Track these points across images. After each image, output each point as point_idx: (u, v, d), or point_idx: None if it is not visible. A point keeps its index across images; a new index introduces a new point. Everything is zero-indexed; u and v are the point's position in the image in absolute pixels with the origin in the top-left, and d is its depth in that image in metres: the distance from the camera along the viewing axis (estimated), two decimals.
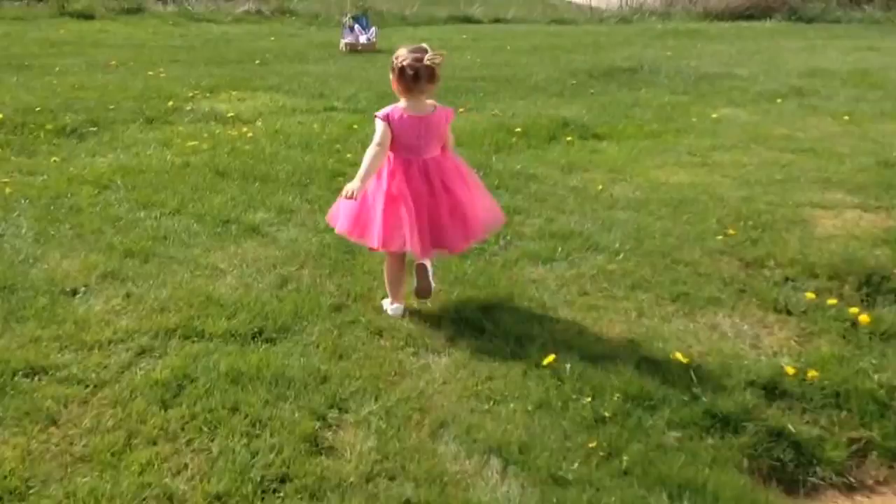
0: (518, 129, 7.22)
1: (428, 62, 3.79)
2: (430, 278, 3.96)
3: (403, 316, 3.91)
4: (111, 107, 7.94)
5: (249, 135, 6.93)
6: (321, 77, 9.95)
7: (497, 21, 19.82)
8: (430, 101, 3.96)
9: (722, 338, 3.81)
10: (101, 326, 3.70)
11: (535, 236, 4.84)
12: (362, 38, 13.03)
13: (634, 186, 5.80)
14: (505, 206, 5.09)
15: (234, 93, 8.98)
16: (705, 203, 5.43)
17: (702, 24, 18.19)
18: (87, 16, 17.76)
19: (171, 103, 8.14)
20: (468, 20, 19.65)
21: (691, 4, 21.38)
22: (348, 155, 6.33)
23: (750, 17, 19.66)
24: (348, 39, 13.20)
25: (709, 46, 13.38)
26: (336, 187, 5.38)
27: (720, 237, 4.83)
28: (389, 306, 3.98)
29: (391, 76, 3.90)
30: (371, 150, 3.83)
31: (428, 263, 3.94)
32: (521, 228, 4.95)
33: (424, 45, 3.92)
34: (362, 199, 3.86)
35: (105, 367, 3.40)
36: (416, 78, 3.81)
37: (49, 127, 7.10)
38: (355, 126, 7.39)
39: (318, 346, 3.61)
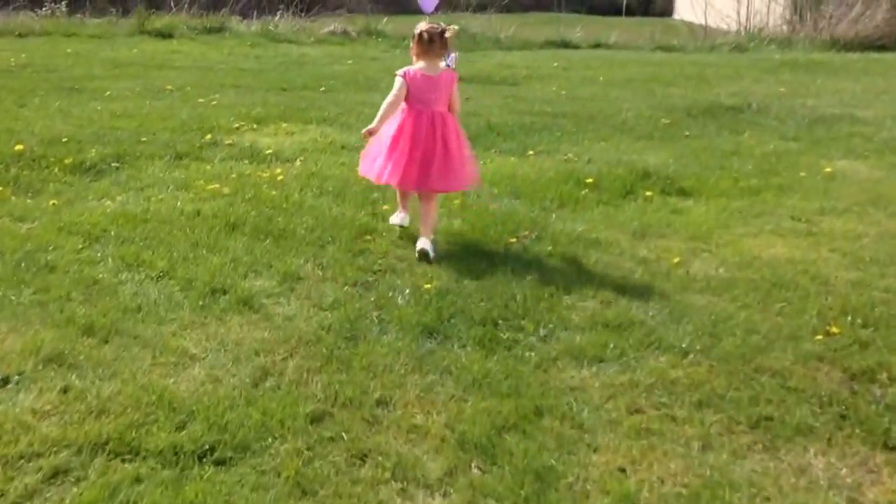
0: (589, 180, 6.45)
1: (439, 32, 5.00)
2: (430, 258, 4.84)
3: (403, 225, 5.20)
4: (144, 139, 7.48)
5: (280, 177, 6.33)
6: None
7: (597, 46, 19.09)
8: (441, 64, 5.16)
9: (811, 487, 2.97)
10: (16, 433, 3.09)
11: (584, 325, 4.06)
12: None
13: (719, 261, 4.96)
14: (553, 283, 4.37)
15: (284, 125, 8.46)
16: (805, 288, 4.57)
17: (826, 54, 17.01)
18: (165, 35, 17.65)
19: (208, 137, 7.64)
20: (566, 45, 19.00)
21: (816, 32, 20.19)
22: (385, 207, 5.66)
23: (882, 48, 18.39)
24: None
25: (830, 82, 12.31)
26: (360, 248, 4.75)
27: (820, 337, 3.98)
28: (395, 217, 5.25)
29: (412, 44, 5.09)
30: (387, 99, 4.97)
31: (428, 246, 4.87)
32: (568, 314, 4.18)
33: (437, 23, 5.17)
34: (375, 141, 5.06)
35: (0, 493, 2.77)
36: (430, 41, 5.04)
37: (68, 161, 6.64)
38: None
39: (278, 475, 2.93)
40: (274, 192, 5.96)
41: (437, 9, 12.49)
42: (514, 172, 6.70)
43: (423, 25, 5.12)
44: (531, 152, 7.53)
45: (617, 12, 44.11)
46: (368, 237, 5.14)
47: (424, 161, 4.97)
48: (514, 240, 5.18)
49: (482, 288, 4.44)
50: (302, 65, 14.34)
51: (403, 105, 5.00)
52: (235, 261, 4.68)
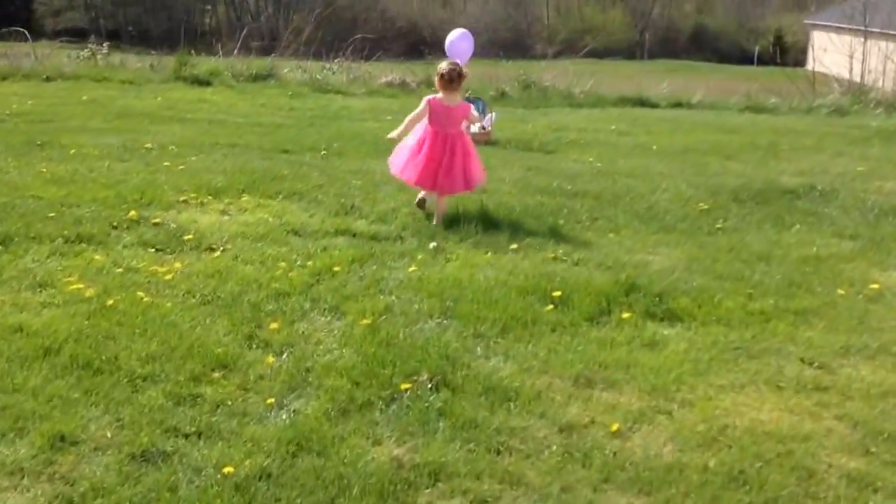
0: (557, 293, 5.33)
1: (458, 72, 7.00)
2: (425, 201, 7.17)
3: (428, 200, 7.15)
4: (53, 214, 6.72)
5: (169, 276, 5.40)
6: (373, 181, 8.40)
7: (678, 105, 17.86)
8: (458, 97, 7.14)
9: None
10: None
11: None
12: (475, 127, 11.40)
13: (673, 431, 3.83)
14: (417, 469, 3.30)
15: (242, 199, 7.60)
16: (777, 486, 3.39)
17: None
18: (202, 82, 17.18)
19: (133, 213, 6.80)
20: (642, 103, 17.81)
21: None
22: (274, 325, 4.69)
23: None
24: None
25: None
26: (194, 392, 3.79)
27: None
28: (422, 192, 7.17)
29: (436, 79, 7.06)
30: (411, 115, 7.12)
31: (438, 222, 6.95)
32: None
33: (457, 62, 7.29)
34: (403, 147, 7.22)
35: None
36: (450, 80, 6.99)
37: None
38: (336, 269, 5.73)
39: None
40: (146, 299, 5.01)
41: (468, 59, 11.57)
42: (470, 278, 5.63)
43: (444, 66, 7.11)
44: (514, 246, 6.46)
45: (749, 61, 42.76)
46: (216, 374, 4.14)
47: (435, 170, 7.09)
48: (407, 385, 4.10)
49: (312, 471, 3.38)
50: (333, 119, 13.60)
51: (426, 123, 7.11)
52: (5, 409, 3.73)
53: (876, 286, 5.77)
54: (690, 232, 7.11)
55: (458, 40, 11.38)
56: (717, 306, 5.31)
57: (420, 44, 54.69)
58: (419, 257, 6.15)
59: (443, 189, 7.12)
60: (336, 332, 4.76)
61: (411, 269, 5.82)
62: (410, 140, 7.19)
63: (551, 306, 5.24)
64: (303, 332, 4.73)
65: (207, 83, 17.44)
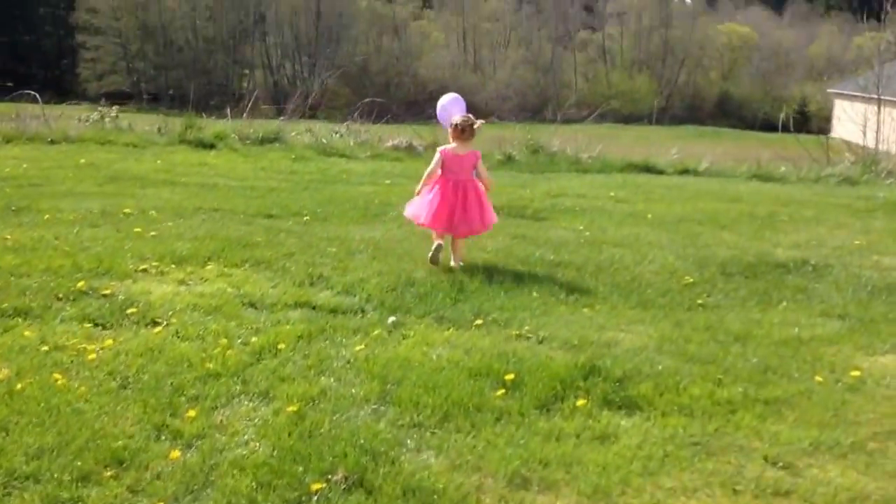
0: (511, 376, 4.91)
1: (469, 124, 7.78)
2: (440, 255, 7.55)
3: (441, 245, 7.62)
4: None
5: (92, 356, 5.03)
6: (349, 248, 8.05)
7: (684, 172, 17.51)
8: (469, 146, 7.77)
9: None
10: None
11: None
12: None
13: None
14: None
15: (209, 266, 7.26)
16: None
17: None
18: (207, 145, 16.99)
19: (81, 284, 6.46)
20: (649, 170, 17.45)
21: None
22: (191, 412, 4.29)
23: None
24: None
25: None
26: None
27: None
28: (436, 239, 7.63)
29: (450, 130, 7.82)
30: (429, 168, 7.71)
31: (456, 265, 7.62)
32: None
33: (469, 115, 8.01)
34: (419, 196, 7.79)
35: None
36: (462, 131, 7.72)
37: None
38: (281, 347, 5.34)
39: None
40: (60, 381, 4.63)
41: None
42: (422, 358, 5.23)
43: (458, 118, 7.85)
44: (479, 321, 6.06)
45: (773, 128, 42.69)
46: (108, 473, 3.74)
47: (451, 215, 7.65)
48: (319, 486, 3.68)
49: None
50: (330, 183, 13.32)
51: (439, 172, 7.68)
52: None
53: (857, 373, 5.30)
54: (670, 308, 6.67)
55: (450, 105, 11.12)
56: (682, 393, 4.86)
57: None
58: (374, 333, 5.76)
59: (459, 231, 7.73)
60: (258, 420, 4.35)
61: (358, 347, 5.41)
62: (426, 189, 7.80)
63: (502, 391, 4.82)
64: (221, 421, 4.32)
65: (212, 146, 17.27)
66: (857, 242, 9.45)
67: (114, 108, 19.55)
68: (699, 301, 6.85)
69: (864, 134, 23.51)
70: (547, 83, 76.06)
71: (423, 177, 7.74)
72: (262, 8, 74.82)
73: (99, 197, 10.68)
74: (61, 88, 53.77)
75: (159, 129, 18.75)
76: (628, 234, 9.41)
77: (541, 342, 5.73)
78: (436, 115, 10.52)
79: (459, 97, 11.18)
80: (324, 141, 18.09)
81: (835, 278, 7.77)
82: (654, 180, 15.66)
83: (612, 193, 12.87)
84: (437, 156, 7.72)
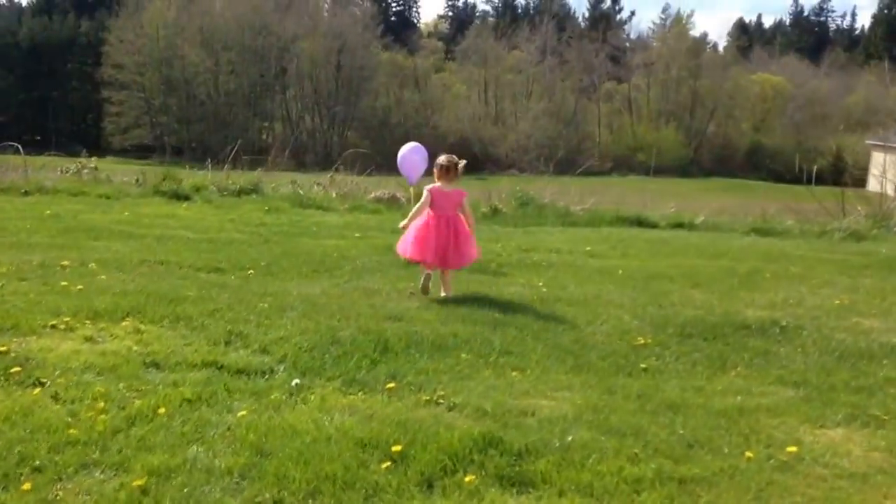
0: (398, 448, 4.51)
1: (454, 163, 8.72)
2: (430, 284, 8.36)
3: (430, 274, 8.43)
4: None
5: None
6: (282, 304, 7.70)
7: (679, 226, 17.12)
8: (453, 184, 8.67)
9: None
10: None
11: None
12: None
13: None
14: None
15: (125, 322, 6.93)
16: None
17: None
18: (181, 196, 16.75)
19: None
20: (641, 223, 17.10)
21: None
22: (26, 485, 3.92)
23: None
24: None
25: None
26: None
27: None
28: (424, 272, 8.39)
29: (435, 170, 8.70)
30: (417, 205, 8.62)
31: (445, 295, 8.49)
32: None
33: (452, 156, 8.82)
34: (410, 231, 8.61)
35: None
36: (447, 171, 8.65)
37: None
38: (161, 412, 4.97)
39: None
40: None
41: (418, 179, 11.10)
42: (312, 426, 4.84)
43: (443, 159, 8.70)
44: (392, 385, 5.67)
45: (805, 180, 42.07)
46: None
47: (445, 249, 8.47)
48: None
49: None
50: (295, 236, 13.03)
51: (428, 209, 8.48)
52: None
53: (794, 449, 4.87)
54: (607, 372, 6.26)
55: (410, 154, 10.89)
56: (586, 470, 4.44)
57: (471, 159, 54.77)
58: (271, 397, 5.38)
59: (451, 263, 8.61)
60: (95, 495, 3.96)
61: (242, 413, 5.02)
62: (418, 222, 8.57)
63: (388, 463, 4.42)
64: (56, 496, 3.93)
65: (186, 198, 17.07)
66: (837, 302, 9.02)
67: (92, 158, 19.40)
68: (643, 365, 6.44)
69: (883, 185, 23.11)
70: (570, 135, 76.09)
71: (411, 213, 8.64)
72: (284, 62, 76.42)
73: (46, 249, 10.40)
74: (87, 142, 54.93)
75: (137, 181, 18.55)
76: (588, 292, 9.01)
77: (451, 409, 5.34)
78: (469, 167, 10.29)
79: (419, 146, 10.97)
80: (300, 192, 17.81)
81: (802, 341, 7.35)
82: (642, 234, 15.30)
83: (588, 248, 12.51)
84: (425, 194, 8.54)
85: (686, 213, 18.09)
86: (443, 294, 8.51)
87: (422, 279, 8.43)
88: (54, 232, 11.94)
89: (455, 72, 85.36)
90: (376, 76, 77.98)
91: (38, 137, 68.67)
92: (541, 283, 9.40)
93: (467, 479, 4.28)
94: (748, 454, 4.77)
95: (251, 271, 9.45)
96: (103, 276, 8.65)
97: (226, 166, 19.55)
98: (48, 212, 14.06)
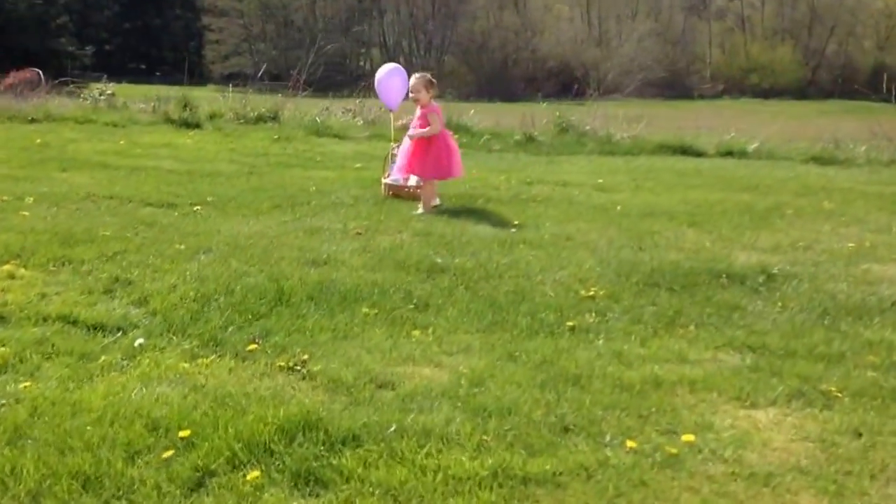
0: (186, 433, 3.79)
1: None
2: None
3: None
4: None
5: None
6: (201, 246, 7.08)
7: (728, 154, 15.91)
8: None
9: None
10: None
11: None
12: (413, 179, 9.95)
13: None
14: None
15: (6, 267, 6.34)
16: None
17: None
18: (191, 124, 16.14)
19: None
20: (685, 151, 15.93)
21: None
22: None
23: None
24: (393, 178, 10.19)
25: None
26: None
27: None
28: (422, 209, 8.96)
29: (425, 89, 9.21)
30: (437, 126, 9.20)
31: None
32: None
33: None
34: (438, 157, 9.30)
35: None
36: (435, 85, 9.37)
37: None
38: None
39: None
40: None
41: (398, 104, 10.29)
42: (107, 403, 4.15)
43: (428, 74, 9.52)
44: (253, 347, 4.95)
45: None
46: None
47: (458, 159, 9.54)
48: None
49: None
50: (287, 167, 12.38)
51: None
52: None
53: (691, 438, 4.00)
54: (526, 332, 5.43)
55: (389, 76, 10.07)
56: (407, 465, 3.66)
57: (572, 83, 53.42)
58: (99, 361, 4.71)
59: (458, 172, 9.70)
60: None
61: (24, 384, 4.35)
62: (441, 145, 9.31)
63: (171, 452, 3.70)
64: None
65: (197, 125, 16.46)
66: (852, 245, 7.98)
67: (110, 85, 18.91)
68: (571, 323, 5.58)
69: None
70: (677, 56, 73.68)
71: (430, 129, 9.19)
72: None
73: (4, 181, 9.92)
74: (189, 71, 55.83)
75: (154, 108, 18.03)
76: (563, 232, 8.13)
77: (304, 378, 4.59)
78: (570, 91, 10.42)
79: (399, 67, 10.18)
80: (318, 120, 17.04)
81: (785, 294, 6.39)
82: (677, 164, 14.24)
83: (600, 180, 11.55)
84: (439, 117, 9.32)
85: (740, 141, 16.79)
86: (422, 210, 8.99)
87: (432, 203, 9.15)
88: (25, 162, 11.48)
89: None
90: None
91: (143, 66, 69.55)
92: (516, 222, 8.55)
93: (250, 476, 3.53)
94: (631, 444, 3.93)
95: (197, 207, 8.77)
96: (26, 213, 8.09)
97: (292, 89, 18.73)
98: (38, 140, 13.64)
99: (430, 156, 9.25)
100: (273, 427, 3.86)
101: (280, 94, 19.41)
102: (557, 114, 18.11)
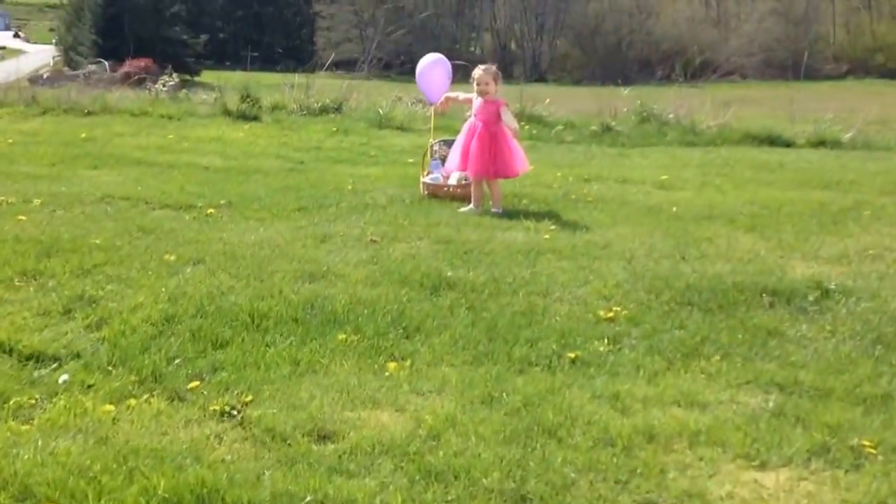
0: None
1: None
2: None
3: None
4: None
5: None
6: (192, 257, 6.58)
7: (820, 145, 14.87)
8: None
9: None
10: None
11: None
12: (454, 178, 9.34)
13: None
14: None
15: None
16: None
17: None
18: (249, 117, 15.75)
19: None
20: (773, 141, 14.96)
21: None
22: None
23: None
24: (432, 177, 9.58)
25: None
26: None
27: None
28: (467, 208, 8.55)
29: (494, 81, 8.59)
30: (516, 122, 8.79)
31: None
32: None
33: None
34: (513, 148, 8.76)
35: None
36: None
37: None
38: None
39: None
40: None
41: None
42: None
43: (494, 66, 8.87)
44: (196, 383, 4.41)
45: None
46: None
47: None
48: None
49: None
50: (334, 163, 12.06)
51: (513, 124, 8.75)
52: None
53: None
54: (518, 365, 4.78)
55: (432, 68, 9.46)
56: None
57: (687, 66, 52.28)
58: (11, 402, 4.20)
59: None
60: None
61: None
62: (506, 140, 8.68)
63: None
64: None
65: (255, 118, 16.06)
66: None
67: (174, 76, 18.69)
68: (573, 354, 4.89)
69: None
70: (798, 36, 71.60)
71: (515, 125, 8.74)
72: None
73: (22, 179, 9.69)
74: (300, 58, 56.93)
75: (216, 100, 17.73)
76: (601, 239, 7.41)
77: (238, 425, 4.02)
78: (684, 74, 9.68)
79: (442, 58, 9.56)
80: (380, 111, 16.48)
81: (836, 316, 5.59)
82: (759, 156, 13.31)
83: (664, 177, 10.72)
84: (511, 111, 8.84)
85: (834, 130, 15.70)
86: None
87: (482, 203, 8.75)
88: (57, 159, 11.23)
89: None
90: None
91: (255, 54, 70.94)
92: (552, 227, 7.85)
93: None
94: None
95: (211, 210, 8.29)
96: (23, 218, 7.69)
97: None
98: (84, 135, 13.39)
99: (494, 153, 8.60)
100: (156, 502, 3.28)
101: (354, 80, 18.94)
102: (639, 101, 17.22)
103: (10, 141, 12.59)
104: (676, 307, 5.72)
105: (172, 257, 6.58)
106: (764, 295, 5.92)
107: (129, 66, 56.94)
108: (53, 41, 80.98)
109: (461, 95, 9.34)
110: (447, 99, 9.38)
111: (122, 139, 13.27)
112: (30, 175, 9.99)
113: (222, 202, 8.68)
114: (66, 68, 59.17)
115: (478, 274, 6.34)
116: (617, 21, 74.86)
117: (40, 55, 72.67)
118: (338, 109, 16.99)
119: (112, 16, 65.27)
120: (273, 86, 19.67)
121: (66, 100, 16.62)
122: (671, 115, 16.75)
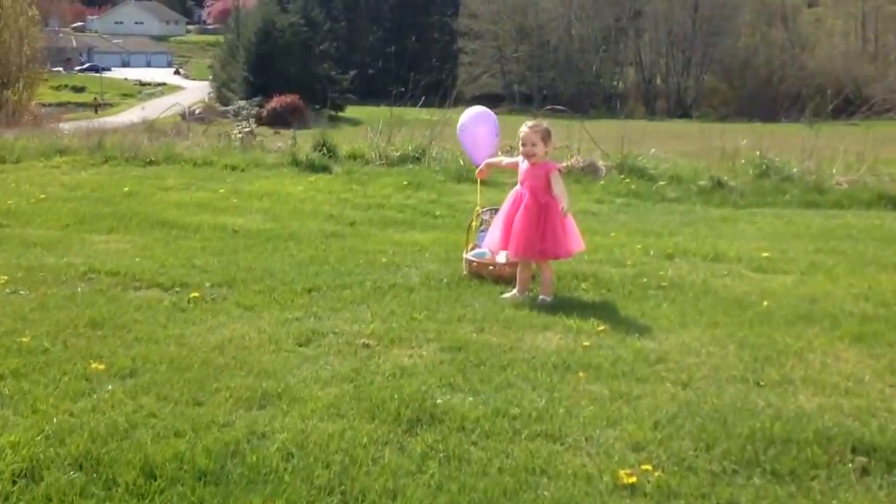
0: None
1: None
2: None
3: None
4: None
5: None
6: (124, 367, 5.36)
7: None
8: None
9: None
10: None
11: None
12: (503, 254, 7.98)
13: None
14: None
15: None
16: None
17: None
18: (318, 167, 14.70)
19: None
20: (817, 204, 13.04)
21: None
22: None
23: None
24: (477, 252, 8.23)
25: None
26: None
27: None
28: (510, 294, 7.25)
29: (542, 142, 7.20)
30: (566, 199, 7.17)
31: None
32: None
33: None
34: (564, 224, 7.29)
35: None
36: None
37: None
38: None
39: None
40: None
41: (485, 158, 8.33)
42: None
43: (544, 123, 7.45)
44: None
45: None
46: None
47: None
48: None
49: None
50: (382, 227, 10.90)
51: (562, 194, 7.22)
52: None
53: None
54: None
55: (475, 122, 8.17)
56: None
57: (843, 101, 50.16)
58: None
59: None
60: None
61: None
62: (557, 214, 7.20)
63: None
64: None
65: (324, 169, 14.97)
66: None
67: (249, 121, 17.84)
68: None
69: None
70: None
71: (565, 194, 7.26)
72: (639, 3, 79.02)
73: (16, 248, 8.70)
74: (445, 93, 57.81)
75: (290, 147, 16.75)
76: (657, 349, 5.89)
77: None
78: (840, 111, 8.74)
79: (488, 112, 8.23)
80: (460, 162, 15.18)
81: None
82: (893, 225, 11.44)
83: (765, 254, 9.06)
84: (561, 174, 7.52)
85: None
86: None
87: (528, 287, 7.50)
88: (75, 219, 10.26)
89: (829, 6, 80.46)
90: (739, 14, 76.93)
91: (402, 89, 72.31)
92: (601, 327, 6.36)
93: None
94: None
95: (194, 295, 7.07)
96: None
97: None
98: (126, 189, 12.49)
99: (543, 229, 7.24)
100: None
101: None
102: (758, 152, 15.51)
103: (43, 196, 11.74)
104: (730, 469, 4.20)
105: (101, 367, 5.36)
106: (855, 453, 4.31)
107: (276, 102, 58.44)
108: (210, 78, 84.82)
109: (504, 160, 8.29)
110: (487, 166, 8.17)
111: (167, 194, 12.29)
112: (29, 241, 9.01)
113: (223, 280, 7.46)
114: (217, 104, 61.40)
115: (477, 402, 4.93)
116: (768, 55, 73.66)
117: (196, 92, 78.35)
118: (418, 158, 15.74)
119: (264, 53, 68.17)
120: (410, 121, 18.66)
121: (129, 148, 15.84)
122: (795, 170, 14.95)
